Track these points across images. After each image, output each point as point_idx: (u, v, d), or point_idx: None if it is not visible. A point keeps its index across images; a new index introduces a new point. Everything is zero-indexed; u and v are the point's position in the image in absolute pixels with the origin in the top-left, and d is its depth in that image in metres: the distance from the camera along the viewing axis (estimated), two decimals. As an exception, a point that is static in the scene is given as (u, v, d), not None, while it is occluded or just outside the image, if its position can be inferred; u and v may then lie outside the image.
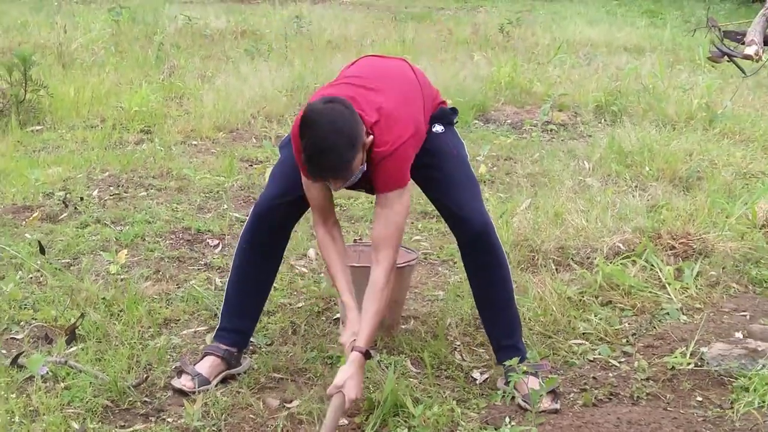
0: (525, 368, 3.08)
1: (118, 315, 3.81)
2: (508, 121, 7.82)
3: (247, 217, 3.41)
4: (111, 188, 5.56)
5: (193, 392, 3.22)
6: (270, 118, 7.54)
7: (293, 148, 3.11)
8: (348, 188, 3.19)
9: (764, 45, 2.40)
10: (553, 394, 3.22)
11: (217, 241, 4.75)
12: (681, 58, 10.94)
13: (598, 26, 13.90)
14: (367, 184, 3.15)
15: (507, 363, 3.21)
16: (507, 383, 3.24)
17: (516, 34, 12.45)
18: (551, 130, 7.39)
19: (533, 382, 3.17)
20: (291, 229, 3.45)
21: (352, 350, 3.01)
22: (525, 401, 3.16)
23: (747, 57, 2.48)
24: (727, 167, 6.05)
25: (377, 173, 3.05)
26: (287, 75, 8.95)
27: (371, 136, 2.97)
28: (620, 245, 4.52)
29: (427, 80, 3.39)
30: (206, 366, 3.34)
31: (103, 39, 10.68)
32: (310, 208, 3.29)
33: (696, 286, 4.22)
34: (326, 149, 2.81)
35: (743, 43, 2.56)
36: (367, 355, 3.03)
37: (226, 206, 5.24)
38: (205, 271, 4.37)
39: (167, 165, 6.04)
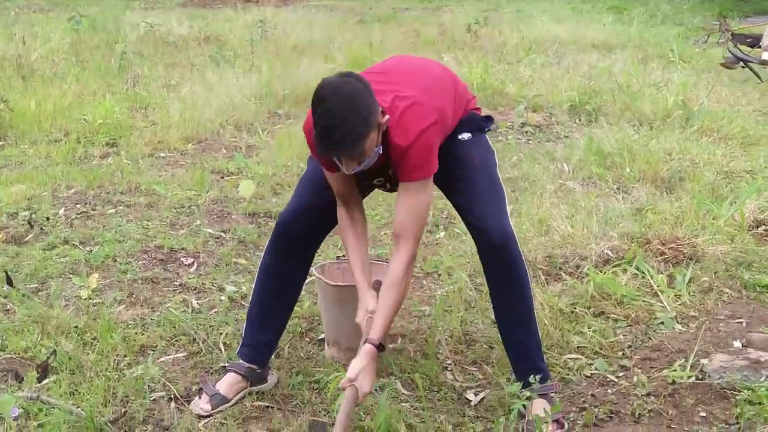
0: (528, 394, 2.94)
1: (92, 343, 3.62)
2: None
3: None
4: (78, 206, 5.35)
5: (209, 415, 3.14)
6: (239, 127, 7.36)
7: (305, 138, 3.06)
8: (366, 184, 3.15)
9: None
10: (557, 421, 3.08)
11: (191, 260, 4.57)
12: (650, 55, 10.89)
13: (565, 23, 13.86)
14: (386, 177, 3.10)
15: (509, 390, 3.07)
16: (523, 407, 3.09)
17: (483, 34, 12.34)
18: (527, 132, 7.28)
19: (545, 405, 3.03)
20: (315, 244, 3.36)
21: (364, 342, 2.93)
22: (528, 427, 3.02)
23: (764, 63, 2.42)
24: (709, 166, 5.96)
25: (401, 163, 2.94)
26: (255, 81, 8.77)
27: (387, 117, 2.86)
28: (609, 252, 4.40)
29: (460, 82, 3.27)
30: (227, 384, 3.26)
31: (63, 49, 10.41)
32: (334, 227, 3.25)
33: (689, 293, 4.11)
34: (337, 122, 2.71)
35: (752, 46, 2.47)
36: (380, 348, 2.93)
37: (199, 222, 5.06)
38: (180, 292, 4.19)
39: (135, 179, 5.84)
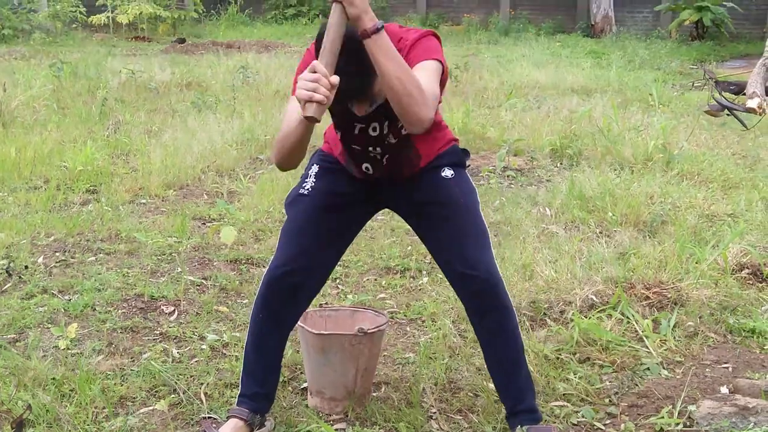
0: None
1: (70, 395, 3.54)
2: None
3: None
4: (57, 254, 5.28)
5: None
6: (221, 173, 7.33)
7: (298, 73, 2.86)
8: (372, 138, 3.01)
9: (766, 96, 2.32)
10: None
11: (172, 308, 4.51)
12: (629, 99, 10.98)
13: (545, 68, 13.97)
14: (388, 120, 2.97)
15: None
16: None
17: (464, 79, 12.42)
18: (509, 176, 7.29)
19: None
20: (308, 299, 3.28)
21: None
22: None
23: (750, 110, 2.42)
24: (690, 210, 5.98)
25: (410, 54, 2.81)
26: (236, 127, 8.76)
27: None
28: (593, 297, 4.38)
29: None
30: (230, 429, 3.20)
31: (44, 96, 10.38)
32: (327, 280, 3.21)
33: (674, 338, 4.09)
34: (346, 67, 2.61)
35: (736, 93, 2.48)
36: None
37: (180, 269, 5.00)
38: (161, 341, 4.13)
39: (116, 227, 5.78)
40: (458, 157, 3.16)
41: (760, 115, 2.40)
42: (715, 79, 7.58)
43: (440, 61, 2.85)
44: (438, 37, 2.94)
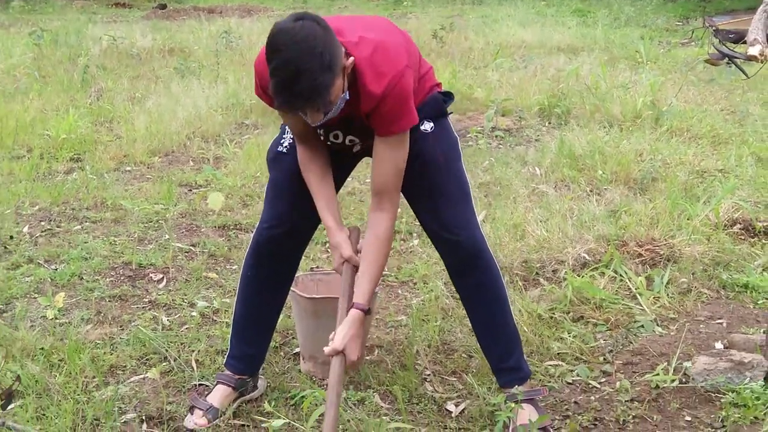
0: (512, 405, 2.86)
1: (59, 365, 3.49)
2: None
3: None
4: (42, 223, 5.21)
5: (208, 428, 3.07)
6: (206, 139, 7.25)
7: (255, 82, 2.82)
8: (334, 142, 2.93)
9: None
10: (544, 428, 3.00)
11: (160, 275, 4.45)
12: (616, 56, 10.91)
13: (531, 27, 13.84)
14: (359, 136, 2.90)
15: (493, 401, 2.99)
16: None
17: (450, 40, 12.29)
18: (497, 137, 7.22)
19: (530, 411, 2.96)
20: (297, 257, 3.23)
21: (352, 307, 2.80)
22: (513, 438, 2.94)
23: (752, 58, 2.36)
24: (680, 166, 5.95)
25: (377, 114, 2.71)
26: (221, 92, 8.66)
27: (351, 58, 2.62)
28: (585, 255, 4.35)
29: (414, 44, 2.94)
30: (218, 396, 3.17)
31: (25, 64, 10.25)
32: (313, 235, 3.15)
33: (667, 294, 4.07)
34: (298, 72, 2.44)
35: (736, 42, 2.41)
36: (367, 312, 2.82)
37: (167, 236, 4.94)
38: (150, 309, 4.08)
39: (101, 195, 5.71)
40: (439, 107, 2.99)
41: (762, 62, 2.35)
42: (716, 28, 7.51)
43: (406, 130, 2.78)
44: (409, 76, 2.76)
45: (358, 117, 2.79)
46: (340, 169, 3.14)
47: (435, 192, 2.96)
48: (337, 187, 3.10)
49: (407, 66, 2.72)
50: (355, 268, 2.91)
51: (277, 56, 2.48)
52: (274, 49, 2.50)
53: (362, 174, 5.77)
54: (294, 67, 2.45)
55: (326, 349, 2.75)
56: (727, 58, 2.35)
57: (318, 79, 2.47)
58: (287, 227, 3.06)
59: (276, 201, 3.10)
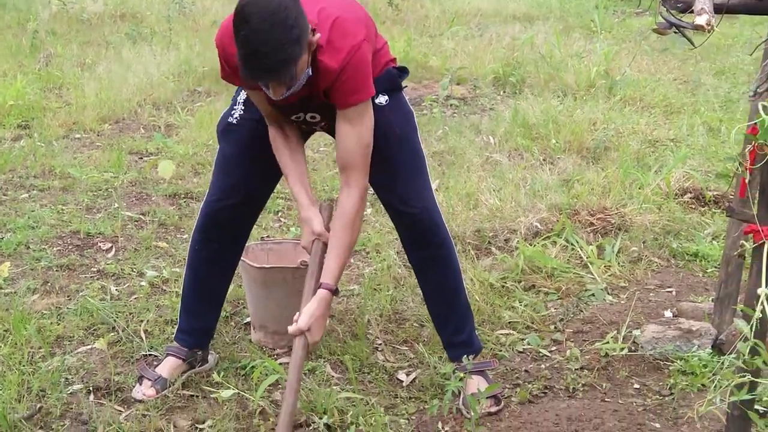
0: (462, 375, 2.86)
1: (4, 336, 3.43)
2: (407, 98, 7.59)
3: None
4: (-12, 192, 5.11)
5: (156, 398, 3.05)
6: (158, 106, 7.13)
7: (220, 63, 2.78)
8: (298, 119, 2.89)
9: (714, 13, 2.26)
10: (494, 396, 3.01)
11: (109, 245, 4.39)
12: (572, 25, 10.93)
13: (487, -4, 13.79)
14: (321, 113, 2.86)
15: (443, 371, 2.98)
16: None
17: (405, 7, 12.22)
18: (452, 105, 7.21)
19: (479, 381, 2.96)
20: (247, 230, 3.18)
21: (319, 287, 2.76)
22: (464, 406, 2.94)
23: (698, 27, 2.37)
24: (633, 135, 5.98)
25: (335, 88, 2.68)
26: (173, 59, 8.52)
27: (317, 35, 2.59)
28: (538, 224, 4.36)
29: (371, 20, 2.90)
30: (167, 368, 3.14)
31: (-29, 28, 10.01)
32: (263, 208, 3.13)
33: (618, 263, 4.10)
34: (267, 44, 2.40)
35: (683, 11, 2.43)
36: (335, 293, 2.79)
37: (117, 205, 4.86)
38: (98, 279, 4.02)
39: (49, 162, 5.60)
40: (394, 81, 2.99)
41: (708, 32, 2.36)
42: (665, -4, 7.54)
43: (368, 98, 2.76)
44: (366, 49, 2.73)
45: (316, 93, 2.75)
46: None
47: (391, 165, 2.94)
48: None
49: (364, 39, 2.70)
50: (325, 245, 2.87)
51: (246, 27, 2.43)
52: (243, 20, 2.44)
53: (315, 143, 5.73)
54: (264, 38, 2.41)
55: (290, 329, 2.72)
56: (674, 28, 2.32)
57: (287, 51, 2.44)
58: (236, 200, 3.02)
59: (225, 174, 3.05)
